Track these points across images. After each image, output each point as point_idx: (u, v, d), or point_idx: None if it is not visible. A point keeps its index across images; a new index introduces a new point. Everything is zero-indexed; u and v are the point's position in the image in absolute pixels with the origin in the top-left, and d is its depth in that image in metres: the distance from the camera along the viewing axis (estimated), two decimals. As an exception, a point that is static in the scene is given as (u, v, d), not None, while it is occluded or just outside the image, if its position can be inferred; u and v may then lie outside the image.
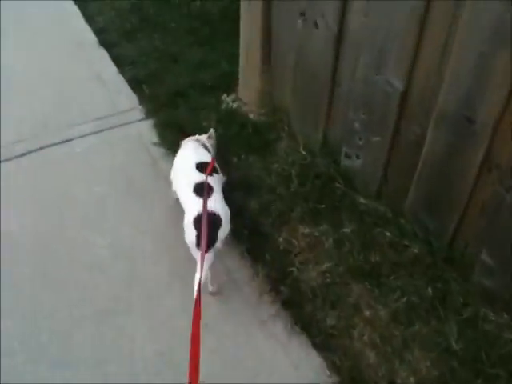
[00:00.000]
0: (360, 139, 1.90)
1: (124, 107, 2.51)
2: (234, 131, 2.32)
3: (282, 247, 1.89)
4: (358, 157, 1.95)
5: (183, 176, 2.00)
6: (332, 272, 1.78)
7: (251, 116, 2.39)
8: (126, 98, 2.56)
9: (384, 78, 1.67)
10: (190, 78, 2.55)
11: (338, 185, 1.99)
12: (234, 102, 2.49)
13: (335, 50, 1.85)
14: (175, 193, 2.03)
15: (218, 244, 1.76)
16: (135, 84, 2.58)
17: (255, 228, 1.97)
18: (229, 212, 1.83)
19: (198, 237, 1.71)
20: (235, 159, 2.24)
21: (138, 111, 2.49)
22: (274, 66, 2.26)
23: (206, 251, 1.67)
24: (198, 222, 1.75)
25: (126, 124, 2.44)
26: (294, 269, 1.81)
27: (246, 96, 2.43)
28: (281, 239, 1.92)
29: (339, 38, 1.82)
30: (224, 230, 1.78)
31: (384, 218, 1.88)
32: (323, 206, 1.95)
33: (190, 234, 1.76)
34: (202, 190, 1.85)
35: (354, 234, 1.85)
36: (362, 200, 1.95)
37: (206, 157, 2.07)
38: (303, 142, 2.15)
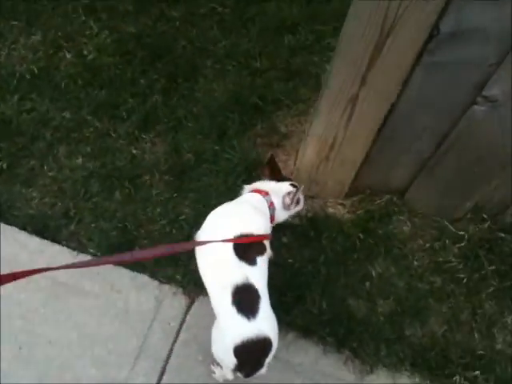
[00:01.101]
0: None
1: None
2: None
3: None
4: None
5: (213, 264, 1.69)
6: None
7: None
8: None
9: None
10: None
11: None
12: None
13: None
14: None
15: (263, 371, 1.65)
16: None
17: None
18: (276, 325, 1.63)
19: (241, 366, 1.59)
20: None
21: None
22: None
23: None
24: (241, 350, 1.55)
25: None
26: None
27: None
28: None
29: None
30: (272, 354, 1.61)
31: None
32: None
33: (228, 361, 1.60)
34: (247, 303, 1.57)
35: None
36: None
37: (257, 221, 1.78)
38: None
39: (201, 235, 1.77)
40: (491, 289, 2.37)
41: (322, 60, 2.79)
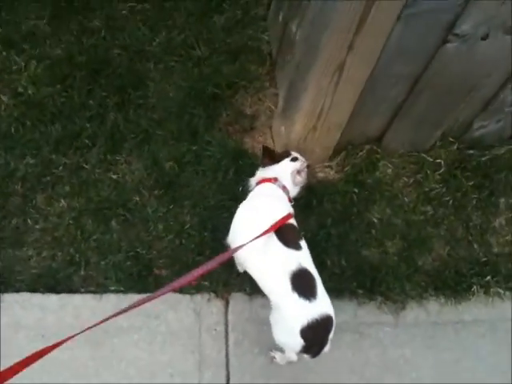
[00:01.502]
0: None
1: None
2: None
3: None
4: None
5: (264, 254, 1.92)
6: None
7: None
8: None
9: None
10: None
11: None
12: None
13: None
14: (241, 265, 2.12)
15: (327, 348, 1.92)
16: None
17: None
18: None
19: (308, 347, 1.85)
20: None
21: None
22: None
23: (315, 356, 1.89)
24: (307, 331, 1.81)
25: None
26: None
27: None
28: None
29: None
30: (333, 330, 1.87)
31: None
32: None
33: (295, 344, 1.86)
34: (305, 286, 1.85)
35: None
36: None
37: (281, 208, 2.03)
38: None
39: (236, 240, 2.00)
40: (474, 201, 2.85)
41: (256, 32, 3.05)
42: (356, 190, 2.67)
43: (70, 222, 2.42)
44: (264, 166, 2.25)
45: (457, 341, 2.57)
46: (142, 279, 2.36)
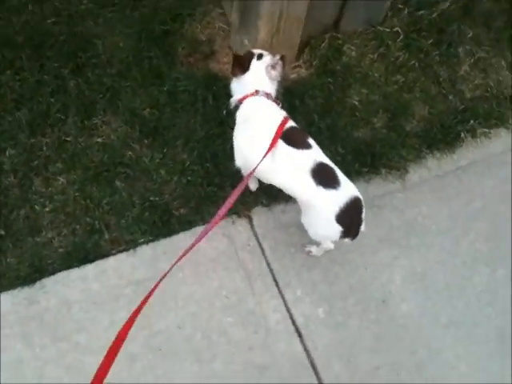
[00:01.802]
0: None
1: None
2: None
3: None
4: None
5: (281, 163, 2.27)
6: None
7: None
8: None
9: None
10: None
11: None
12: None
13: None
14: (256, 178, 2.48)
15: (363, 227, 2.33)
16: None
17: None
18: None
19: (346, 231, 2.24)
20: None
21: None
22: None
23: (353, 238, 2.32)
24: (342, 217, 2.19)
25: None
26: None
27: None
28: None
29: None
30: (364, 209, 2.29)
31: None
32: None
33: (334, 232, 2.25)
34: (327, 177, 2.21)
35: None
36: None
37: (276, 115, 2.36)
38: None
39: (248, 162, 2.35)
40: (437, 58, 3.32)
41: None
42: (330, 80, 3.07)
43: (76, 194, 2.72)
44: (236, 75, 2.54)
45: (461, 186, 3.10)
46: (166, 223, 2.71)
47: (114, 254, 2.69)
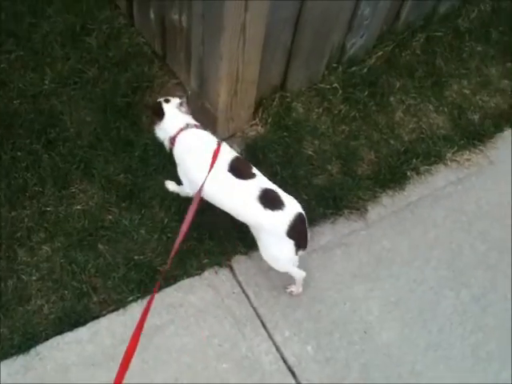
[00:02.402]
0: None
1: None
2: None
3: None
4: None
5: (230, 193, 2.55)
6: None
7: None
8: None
9: None
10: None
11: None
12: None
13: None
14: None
15: (309, 236, 2.60)
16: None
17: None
18: None
19: (298, 243, 2.52)
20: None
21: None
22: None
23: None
24: (291, 232, 2.46)
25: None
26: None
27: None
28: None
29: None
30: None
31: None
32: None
33: (288, 247, 2.52)
34: (273, 200, 2.48)
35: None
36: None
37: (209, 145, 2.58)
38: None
39: (197, 187, 2.55)
40: (373, 107, 3.66)
41: (130, 38, 3.57)
42: (285, 134, 3.33)
43: (61, 261, 2.78)
44: (156, 123, 2.75)
45: (415, 219, 3.35)
46: (152, 280, 2.80)
47: (105, 315, 2.73)
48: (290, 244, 2.52)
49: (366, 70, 3.72)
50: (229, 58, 2.78)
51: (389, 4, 3.47)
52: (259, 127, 3.37)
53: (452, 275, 3.17)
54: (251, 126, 3.36)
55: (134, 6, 3.48)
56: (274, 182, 3.06)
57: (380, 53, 3.78)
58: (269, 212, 2.48)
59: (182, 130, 2.66)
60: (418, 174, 3.49)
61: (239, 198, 2.55)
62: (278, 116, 3.39)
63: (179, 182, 2.82)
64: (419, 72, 3.83)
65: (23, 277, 2.74)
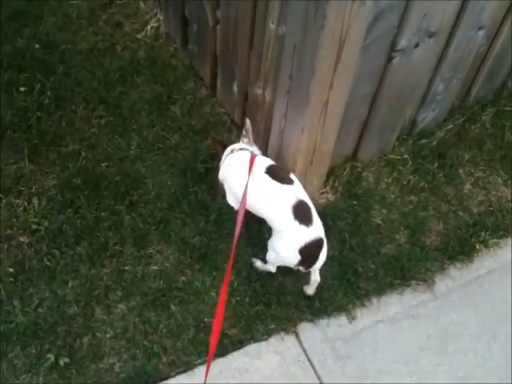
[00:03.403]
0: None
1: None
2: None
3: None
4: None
5: (268, 201, 2.50)
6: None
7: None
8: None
9: None
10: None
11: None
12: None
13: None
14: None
15: (320, 264, 2.56)
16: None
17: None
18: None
19: (302, 261, 2.46)
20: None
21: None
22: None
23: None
24: (304, 250, 2.41)
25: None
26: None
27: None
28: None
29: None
30: (326, 251, 2.53)
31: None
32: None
33: (293, 259, 2.47)
34: (304, 215, 2.42)
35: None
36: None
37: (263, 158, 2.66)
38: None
39: (239, 196, 2.52)
40: (442, 179, 3.43)
41: (212, 108, 3.52)
42: (355, 202, 3.15)
43: (135, 320, 2.66)
44: (221, 154, 2.81)
45: (484, 293, 3.08)
46: (219, 343, 2.62)
47: (173, 376, 2.59)
48: (296, 258, 2.47)
49: (435, 142, 3.53)
50: (309, 132, 2.67)
51: (461, 80, 3.27)
52: (329, 195, 3.22)
53: (521, 352, 2.84)
54: (322, 193, 3.20)
55: (217, 79, 3.44)
56: (342, 250, 2.93)
57: (450, 126, 3.58)
58: (296, 223, 2.42)
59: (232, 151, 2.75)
60: (486, 247, 3.24)
61: (274, 201, 2.51)
62: (348, 185, 3.23)
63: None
64: (488, 145, 3.61)
65: (98, 334, 2.64)
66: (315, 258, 2.51)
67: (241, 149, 2.70)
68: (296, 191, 2.50)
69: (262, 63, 2.76)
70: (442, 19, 2.68)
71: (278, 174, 2.53)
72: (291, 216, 2.42)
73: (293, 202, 2.44)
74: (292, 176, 2.58)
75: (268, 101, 2.88)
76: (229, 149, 2.76)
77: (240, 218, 2.40)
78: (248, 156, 2.61)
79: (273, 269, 2.76)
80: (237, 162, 2.65)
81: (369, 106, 2.95)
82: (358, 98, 2.82)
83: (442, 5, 2.58)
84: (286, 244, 2.49)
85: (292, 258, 2.49)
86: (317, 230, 2.47)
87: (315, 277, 2.72)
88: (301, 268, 2.55)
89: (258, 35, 2.73)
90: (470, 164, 3.54)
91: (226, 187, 2.74)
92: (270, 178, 2.50)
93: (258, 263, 2.85)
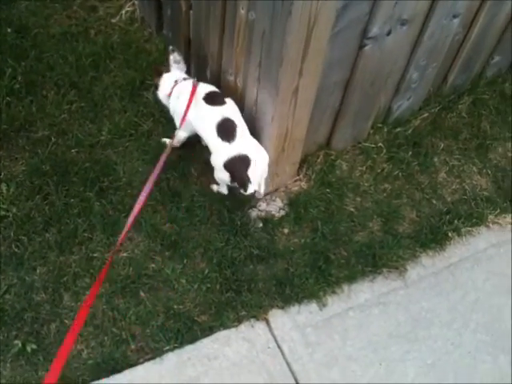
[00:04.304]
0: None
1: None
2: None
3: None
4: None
5: (202, 117, 2.71)
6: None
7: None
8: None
9: None
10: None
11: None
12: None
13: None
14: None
15: (261, 190, 2.76)
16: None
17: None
18: (258, 146, 2.68)
19: (233, 178, 2.64)
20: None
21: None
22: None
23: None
24: (229, 165, 2.61)
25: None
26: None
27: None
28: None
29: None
30: (260, 172, 2.66)
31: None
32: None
33: (224, 177, 2.68)
34: (226, 132, 2.60)
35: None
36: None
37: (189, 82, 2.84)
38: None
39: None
40: (417, 167, 3.45)
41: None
42: (328, 190, 3.18)
43: (104, 307, 2.67)
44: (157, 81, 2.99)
45: (455, 281, 3.12)
46: (189, 330, 2.66)
47: (142, 363, 2.60)
48: (225, 175, 2.67)
49: (410, 130, 3.55)
50: (279, 119, 2.68)
51: (437, 69, 3.29)
52: (303, 183, 3.23)
53: (490, 339, 2.93)
54: (295, 181, 3.22)
55: (191, 65, 3.43)
56: (314, 237, 2.96)
57: (425, 114, 3.61)
58: (219, 140, 2.62)
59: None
60: (459, 235, 3.28)
61: (205, 121, 2.69)
62: (321, 172, 3.25)
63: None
64: (464, 134, 3.64)
65: (66, 321, 2.65)
66: (243, 176, 2.59)
67: (184, 78, 2.88)
68: (224, 111, 2.65)
69: (233, 50, 2.76)
70: (415, 7, 2.69)
71: (212, 97, 2.72)
72: (215, 133, 2.61)
73: (218, 120, 2.61)
74: (227, 99, 2.73)
75: (240, 87, 2.89)
76: (171, 80, 2.90)
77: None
78: (189, 86, 2.80)
79: (224, 190, 2.94)
80: (185, 93, 2.80)
81: (342, 94, 2.97)
82: (330, 85, 2.83)
83: (414, -8, 2.59)
84: (214, 160, 2.68)
85: (222, 174, 2.68)
86: (240, 146, 2.60)
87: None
88: (240, 189, 2.65)
89: (229, 21, 2.72)
90: (444, 153, 3.57)
91: (177, 118, 2.86)
92: (205, 102, 2.70)
93: (214, 187, 3.00)
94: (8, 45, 3.53)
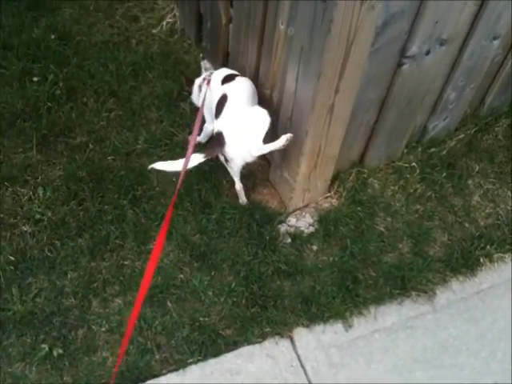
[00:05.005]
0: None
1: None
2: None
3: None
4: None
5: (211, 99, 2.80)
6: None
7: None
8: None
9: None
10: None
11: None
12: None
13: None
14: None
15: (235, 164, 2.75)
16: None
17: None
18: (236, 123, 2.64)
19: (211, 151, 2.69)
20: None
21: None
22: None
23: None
24: (214, 139, 2.71)
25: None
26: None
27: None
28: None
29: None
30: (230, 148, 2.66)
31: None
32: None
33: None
34: (219, 108, 2.68)
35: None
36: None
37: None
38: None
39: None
40: (450, 189, 3.34)
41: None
42: (359, 209, 3.09)
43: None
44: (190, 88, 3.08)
45: (485, 308, 3.00)
46: (213, 343, 2.60)
47: (165, 374, 2.56)
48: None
49: (445, 151, 3.45)
50: (313, 135, 2.63)
51: (475, 90, 3.18)
52: (334, 200, 3.16)
53: (517, 371, 2.77)
54: (326, 197, 3.15)
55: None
56: (343, 256, 2.87)
57: (461, 136, 3.49)
58: (214, 117, 2.69)
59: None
60: (491, 261, 3.15)
61: (213, 104, 2.75)
62: (353, 190, 3.17)
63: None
64: (500, 157, 3.51)
65: (93, 327, 2.62)
66: (215, 149, 2.65)
67: (211, 73, 2.94)
68: (226, 88, 2.69)
69: (271, 64, 2.71)
70: (455, 27, 2.61)
71: (225, 79, 2.75)
72: (214, 111, 2.68)
73: (219, 96, 2.67)
74: (238, 77, 2.79)
75: (275, 102, 2.83)
76: (200, 80, 2.98)
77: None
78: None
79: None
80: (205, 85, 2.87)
81: (377, 112, 2.89)
82: (366, 102, 2.76)
83: (455, 13, 2.51)
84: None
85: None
86: (219, 123, 2.62)
87: (237, 185, 2.88)
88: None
89: (268, 35, 2.67)
90: (479, 175, 3.45)
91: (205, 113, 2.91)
92: (219, 84, 2.74)
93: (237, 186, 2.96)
94: (51, 51, 3.56)
